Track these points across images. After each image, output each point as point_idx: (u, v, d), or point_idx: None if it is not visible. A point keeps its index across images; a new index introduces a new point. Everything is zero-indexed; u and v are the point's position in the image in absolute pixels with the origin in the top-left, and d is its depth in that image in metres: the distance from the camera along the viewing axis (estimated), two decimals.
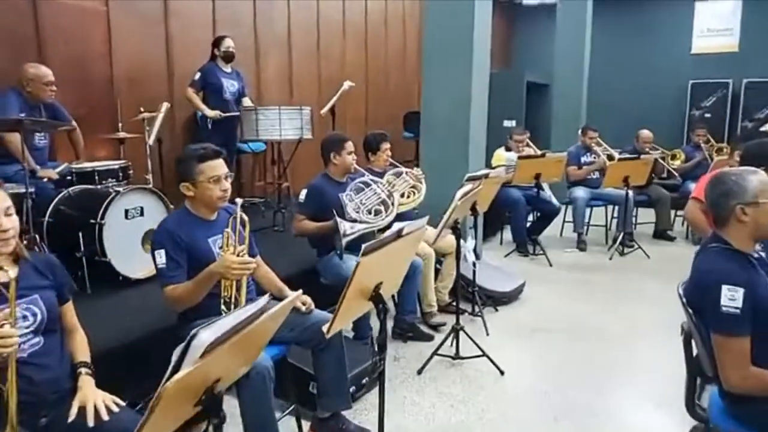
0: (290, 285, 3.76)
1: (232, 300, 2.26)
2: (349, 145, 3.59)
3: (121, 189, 3.41)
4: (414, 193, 4.09)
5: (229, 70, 4.93)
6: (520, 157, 5.70)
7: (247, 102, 5.02)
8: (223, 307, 2.28)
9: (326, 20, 7.21)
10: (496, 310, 4.40)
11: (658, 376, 3.37)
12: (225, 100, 4.87)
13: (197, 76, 4.79)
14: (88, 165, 3.77)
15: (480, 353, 3.46)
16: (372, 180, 3.58)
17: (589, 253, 6.15)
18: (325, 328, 1.93)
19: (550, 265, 5.62)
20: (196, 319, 2.37)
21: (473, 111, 4.78)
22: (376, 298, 2.06)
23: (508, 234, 6.26)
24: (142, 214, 3.51)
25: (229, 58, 4.90)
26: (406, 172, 4.13)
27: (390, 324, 3.98)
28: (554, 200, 5.96)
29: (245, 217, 2.31)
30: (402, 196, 4.02)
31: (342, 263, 3.43)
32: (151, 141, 4.09)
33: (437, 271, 4.33)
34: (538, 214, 6.17)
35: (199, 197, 2.43)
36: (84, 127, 4.32)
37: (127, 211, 3.43)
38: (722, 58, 9.92)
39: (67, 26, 4.41)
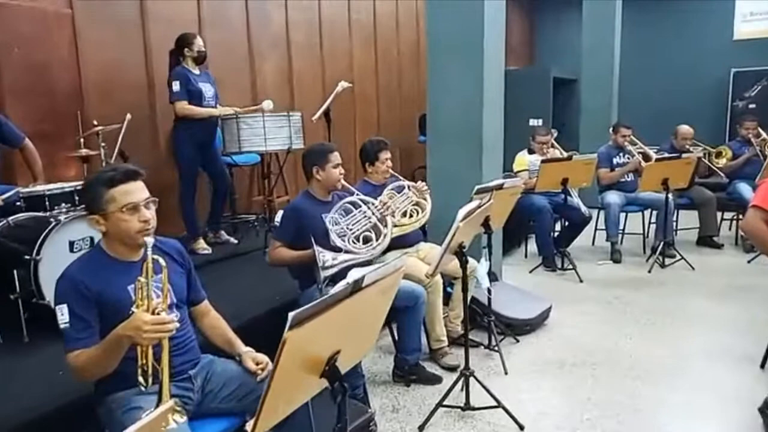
0: (271, 319, 3.28)
1: (150, 369, 1.72)
2: (335, 157, 3.03)
3: (62, 218, 2.91)
4: (417, 211, 3.51)
5: (198, 72, 4.36)
6: (543, 161, 5.07)
7: (220, 107, 4.44)
8: (140, 379, 1.74)
9: (329, 18, 6.68)
10: (517, 340, 3.79)
11: (714, 423, 2.74)
12: (204, 107, 4.33)
13: (176, 86, 4.22)
14: (39, 188, 3.29)
15: (495, 404, 2.86)
16: (362, 200, 3.01)
17: (625, 266, 5.48)
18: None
19: (581, 281, 4.98)
20: (111, 393, 1.86)
21: (487, 112, 4.18)
22: (330, 373, 1.52)
23: (533, 245, 5.62)
24: (91, 244, 3.01)
25: (202, 59, 4.34)
26: (409, 187, 3.57)
27: (385, 368, 3.43)
28: (584, 207, 5.30)
29: (162, 262, 1.77)
30: (404, 215, 3.47)
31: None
32: (112, 159, 3.60)
33: (447, 297, 3.75)
34: (567, 223, 5.52)
35: (113, 232, 1.90)
36: (48, 144, 3.87)
37: (72, 243, 2.93)
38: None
39: (26, 31, 3.95)
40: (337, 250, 2.86)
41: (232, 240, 4.66)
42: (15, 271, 2.77)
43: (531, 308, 4.00)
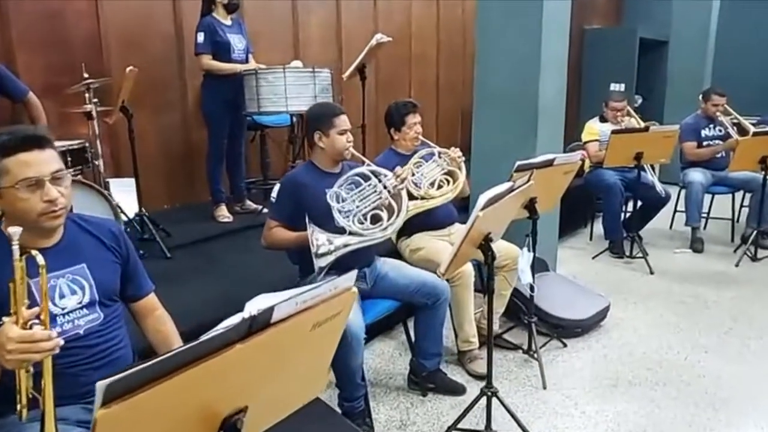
0: None
1: (24, 398, 1.31)
2: (341, 121, 2.52)
3: None
4: (447, 181, 2.98)
5: (229, 22, 3.94)
6: (614, 132, 4.34)
7: (252, 62, 4.03)
8: (18, 407, 1.34)
9: None
10: (564, 345, 3.21)
11: None
12: (232, 61, 3.92)
13: (200, 37, 3.85)
14: None
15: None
16: (372, 171, 2.50)
17: (707, 257, 4.70)
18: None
19: (651, 273, 4.28)
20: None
21: (545, 75, 3.52)
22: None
23: (600, 226, 4.93)
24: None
25: (233, 7, 3.91)
26: (440, 154, 3.03)
27: (403, 369, 2.95)
28: (659, 186, 4.55)
29: (39, 260, 1.33)
30: (432, 185, 2.95)
31: None
32: (114, 118, 3.24)
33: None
34: (640, 203, 4.77)
35: (10, 213, 1.50)
36: (62, 99, 3.57)
37: None
38: None
39: None
40: (341, 231, 2.38)
41: (257, 207, 4.28)
42: None
43: (585, 306, 3.39)
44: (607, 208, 4.74)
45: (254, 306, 1.03)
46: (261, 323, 0.99)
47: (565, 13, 3.70)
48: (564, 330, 3.27)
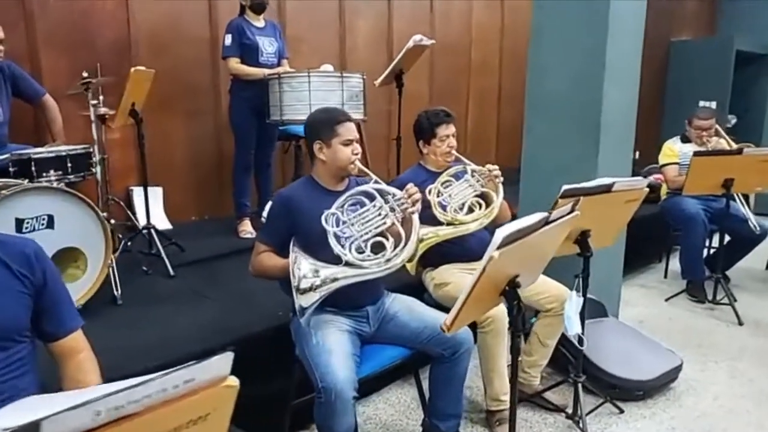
0: (259, 343, 2.45)
1: None
2: (346, 129, 2.10)
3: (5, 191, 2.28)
4: (479, 205, 2.50)
5: (261, 24, 3.65)
6: (696, 153, 3.69)
7: (286, 66, 3.70)
8: None
9: None
10: (620, 411, 2.61)
11: None
12: (260, 65, 3.60)
13: (228, 39, 3.58)
14: (30, 152, 2.73)
15: None
16: (378, 190, 2.05)
17: None
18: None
19: (740, 324, 3.58)
20: None
21: (609, 86, 2.97)
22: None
23: (677, 263, 4.23)
24: (50, 225, 2.38)
25: (259, 7, 3.60)
26: (473, 172, 2.55)
27: (410, 425, 2.47)
28: (754, 219, 3.84)
29: None
30: (461, 208, 2.49)
31: (307, 333, 2.00)
32: (118, 122, 2.95)
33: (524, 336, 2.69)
34: (728, 239, 4.04)
35: None
36: (86, 103, 3.37)
37: (21, 222, 2.31)
38: None
39: None
40: (337, 261, 1.94)
41: None
42: None
43: (650, 363, 2.77)
44: (687, 243, 4.05)
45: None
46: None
47: (639, 15, 3.14)
48: (621, 392, 2.67)
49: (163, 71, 3.94)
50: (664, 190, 4.32)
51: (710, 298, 3.90)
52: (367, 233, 1.98)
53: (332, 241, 1.95)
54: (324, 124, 2.11)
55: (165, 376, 0.68)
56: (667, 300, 3.97)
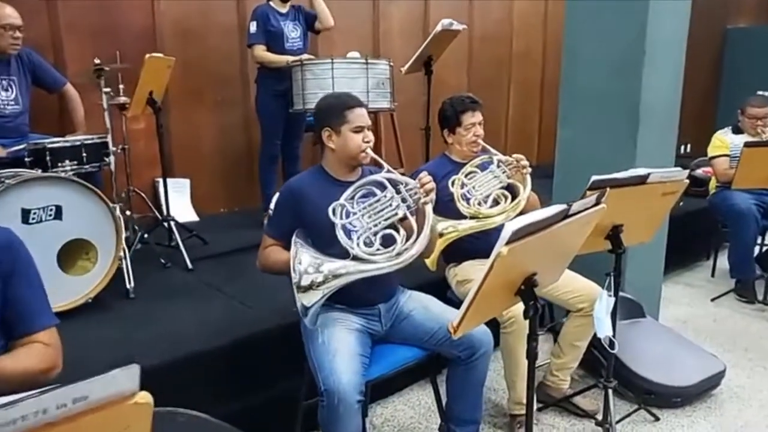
0: (264, 342, 2.36)
1: None
2: (356, 116, 1.99)
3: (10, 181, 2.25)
4: (505, 197, 2.36)
5: (285, 9, 3.56)
6: (747, 144, 3.43)
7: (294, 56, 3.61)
8: None
9: None
10: (655, 418, 2.43)
11: None
12: (286, 51, 3.52)
13: (253, 27, 3.52)
14: (46, 141, 2.72)
15: None
16: (390, 180, 1.93)
17: None
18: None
19: None
20: None
21: (649, 72, 2.77)
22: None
23: (726, 261, 3.96)
24: (58, 216, 2.35)
25: None
26: (499, 162, 2.41)
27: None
28: None
29: None
30: (486, 201, 2.36)
31: (314, 332, 1.90)
32: (133, 111, 2.91)
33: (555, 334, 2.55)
34: None
35: None
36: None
37: (27, 212, 2.28)
38: None
39: None
40: (345, 255, 1.84)
41: None
42: None
43: (689, 368, 2.58)
44: (737, 240, 3.78)
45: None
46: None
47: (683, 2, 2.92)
48: (656, 398, 2.49)
49: (191, 60, 3.95)
50: (713, 183, 4.06)
51: (760, 298, 3.65)
52: (376, 225, 1.87)
53: (340, 234, 1.85)
54: (333, 109, 2.00)
55: (43, 394, 0.58)
56: (713, 300, 3.73)
